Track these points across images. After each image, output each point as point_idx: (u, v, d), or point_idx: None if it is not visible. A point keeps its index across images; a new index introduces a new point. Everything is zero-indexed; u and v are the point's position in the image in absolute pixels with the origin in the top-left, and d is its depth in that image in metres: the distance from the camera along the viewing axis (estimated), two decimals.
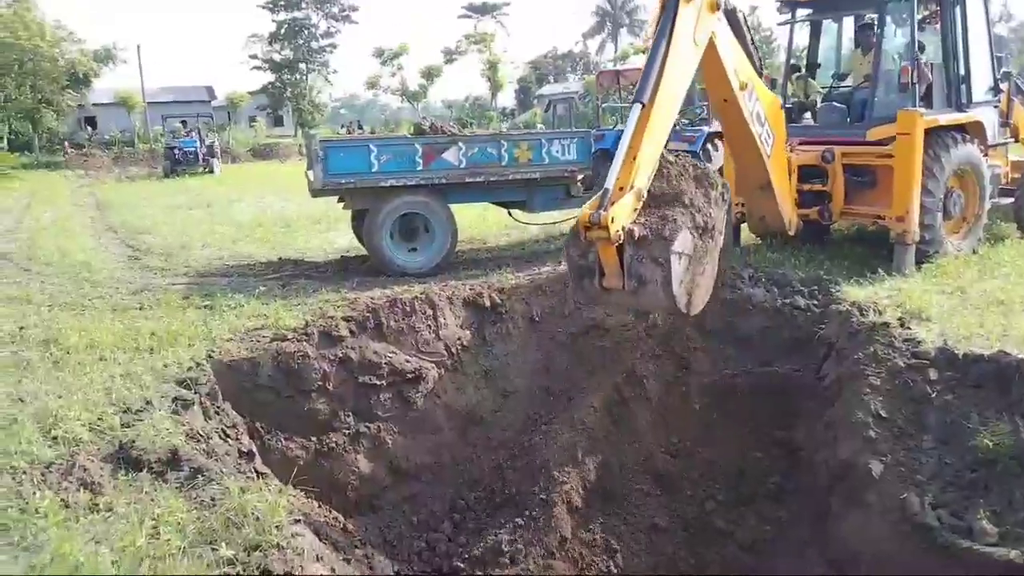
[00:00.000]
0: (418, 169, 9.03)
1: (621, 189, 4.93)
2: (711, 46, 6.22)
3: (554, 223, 11.59)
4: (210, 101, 61.72)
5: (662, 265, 4.86)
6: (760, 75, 7.47)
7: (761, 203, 8.13)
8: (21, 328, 6.88)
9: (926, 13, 8.61)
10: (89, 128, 48.64)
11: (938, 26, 8.66)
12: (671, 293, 4.89)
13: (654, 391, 7.61)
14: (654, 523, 6.79)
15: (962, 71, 8.55)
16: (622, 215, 4.82)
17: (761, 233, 9.24)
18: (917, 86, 8.16)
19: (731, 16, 6.88)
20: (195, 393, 5.53)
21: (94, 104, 47.82)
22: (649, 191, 5.14)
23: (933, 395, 5.45)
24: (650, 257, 4.92)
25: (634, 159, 5.05)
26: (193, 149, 30.36)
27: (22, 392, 5.20)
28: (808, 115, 9.49)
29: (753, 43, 7.28)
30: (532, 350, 7.95)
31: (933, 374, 5.58)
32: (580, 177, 10.13)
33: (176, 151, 30.14)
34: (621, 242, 4.88)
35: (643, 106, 5.24)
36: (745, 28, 7.09)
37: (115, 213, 16.77)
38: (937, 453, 5.13)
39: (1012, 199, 9.50)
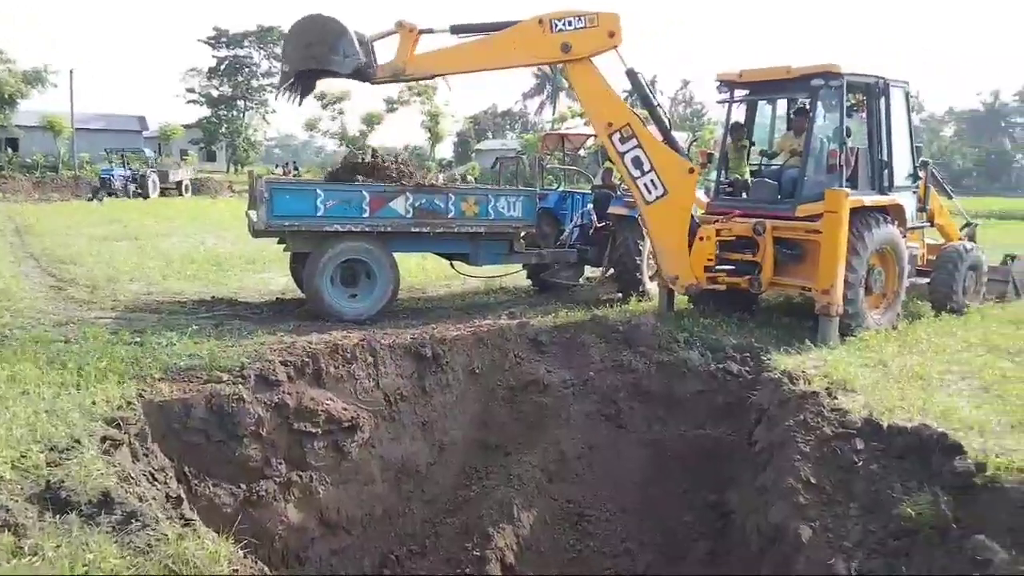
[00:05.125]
0: (364, 216, 9.01)
1: None
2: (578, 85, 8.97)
3: (495, 276, 11.70)
4: (141, 131, 60.45)
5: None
6: (668, 130, 9.23)
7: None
8: None
9: (854, 101, 9.19)
10: (10, 150, 46.73)
11: (864, 114, 9.25)
12: None
13: (589, 449, 7.69)
14: None
15: (885, 157, 9.13)
16: None
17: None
18: (844, 168, 8.68)
19: (630, 75, 9.03)
20: (124, 433, 5.31)
21: (17, 126, 46.06)
22: None
23: (859, 464, 5.65)
24: None
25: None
26: (122, 177, 34.48)
27: None
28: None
29: (658, 103, 9.36)
30: (471, 402, 7.94)
31: (859, 444, 5.79)
32: (523, 234, 10.29)
33: (108, 179, 34.07)
34: None
35: None
36: (646, 88, 9.22)
37: (37, 240, 16.10)
38: (863, 520, 5.30)
39: (927, 279, 10.08)
